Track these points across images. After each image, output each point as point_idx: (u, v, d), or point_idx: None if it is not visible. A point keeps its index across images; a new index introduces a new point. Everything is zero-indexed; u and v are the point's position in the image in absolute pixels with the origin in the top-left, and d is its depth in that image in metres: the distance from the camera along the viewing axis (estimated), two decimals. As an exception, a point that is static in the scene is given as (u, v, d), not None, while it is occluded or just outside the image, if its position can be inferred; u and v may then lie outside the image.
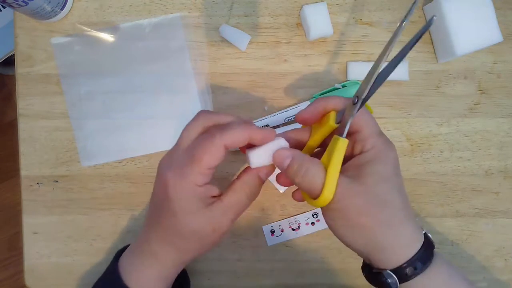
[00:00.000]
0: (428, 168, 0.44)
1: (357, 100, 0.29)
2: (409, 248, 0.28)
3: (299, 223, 0.44)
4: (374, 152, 0.29)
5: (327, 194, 0.28)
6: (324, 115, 0.32)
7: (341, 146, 0.29)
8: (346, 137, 0.29)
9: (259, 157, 0.31)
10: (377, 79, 0.29)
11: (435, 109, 0.44)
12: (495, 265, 0.44)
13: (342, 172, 0.29)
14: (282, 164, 0.29)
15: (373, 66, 0.29)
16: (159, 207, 0.31)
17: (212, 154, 0.28)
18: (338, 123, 0.31)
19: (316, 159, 0.29)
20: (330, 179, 0.28)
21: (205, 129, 0.30)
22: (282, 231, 0.44)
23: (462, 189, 0.44)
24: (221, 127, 0.29)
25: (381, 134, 0.30)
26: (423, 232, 0.29)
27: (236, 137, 0.29)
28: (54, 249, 0.45)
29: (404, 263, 0.27)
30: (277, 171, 0.32)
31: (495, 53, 0.44)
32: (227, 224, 0.30)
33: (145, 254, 0.33)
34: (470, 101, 0.44)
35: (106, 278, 0.35)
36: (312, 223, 0.44)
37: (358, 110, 0.29)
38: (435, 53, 0.44)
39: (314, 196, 0.28)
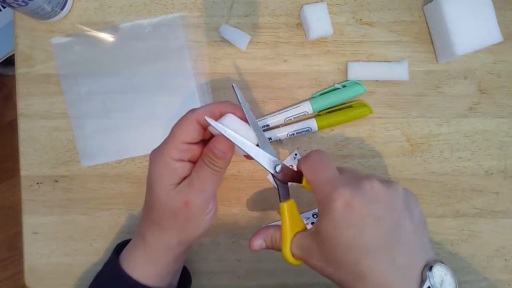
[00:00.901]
0: (428, 168, 0.44)
1: (277, 167, 0.32)
2: None
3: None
4: (320, 207, 0.29)
5: (284, 254, 0.32)
6: None
7: (282, 211, 0.32)
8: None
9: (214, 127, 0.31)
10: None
11: (435, 109, 0.44)
12: (495, 265, 0.44)
13: (310, 232, 0.30)
14: (261, 247, 0.33)
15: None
16: (147, 187, 0.33)
17: (184, 128, 0.31)
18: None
19: (275, 229, 0.33)
20: (283, 243, 0.32)
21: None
22: (282, 231, 0.44)
23: (462, 189, 0.44)
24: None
25: (326, 182, 0.29)
26: (425, 280, 0.26)
27: (206, 110, 0.31)
28: (54, 249, 0.45)
29: None
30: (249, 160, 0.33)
31: (495, 53, 0.44)
32: (197, 198, 0.30)
33: (137, 235, 0.34)
34: (470, 101, 0.44)
35: (106, 264, 0.36)
36: (312, 223, 0.44)
37: (278, 174, 0.32)
38: (435, 53, 0.44)
39: None
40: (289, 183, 0.33)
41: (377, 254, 0.26)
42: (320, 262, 0.29)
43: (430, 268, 0.26)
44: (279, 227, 0.33)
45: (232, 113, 0.31)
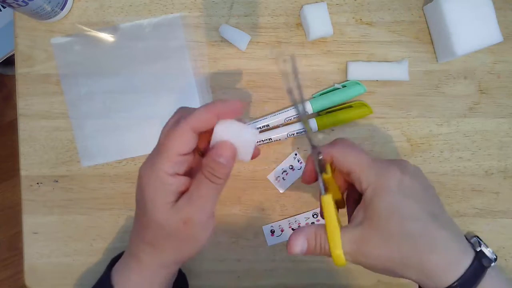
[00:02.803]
0: (428, 168, 0.44)
1: (315, 149, 0.31)
2: (449, 271, 0.26)
3: (299, 223, 0.44)
4: (371, 189, 0.29)
5: (335, 255, 0.28)
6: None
7: (325, 204, 0.29)
8: (346, 178, 0.31)
9: (211, 142, 0.29)
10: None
11: (435, 109, 0.44)
12: (495, 265, 0.44)
13: (351, 220, 0.29)
14: (302, 249, 0.29)
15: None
16: (137, 204, 0.30)
17: (179, 139, 0.27)
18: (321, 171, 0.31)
19: (318, 226, 0.30)
20: (331, 241, 0.28)
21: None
22: (282, 231, 0.44)
23: (462, 189, 0.44)
24: (188, 113, 0.28)
25: (371, 164, 0.30)
26: (475, 245, 0.28)
27: (201, 116, 0.27)
28: (54, 249, 0.45)
29: (448, 287, 0.26)
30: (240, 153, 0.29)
31: (495, 53, 0.44)
32: (197, 215, 0.28)
33: (128, 256, 0.32)
34: (470, 101, 0.44)
35: (99, 283, 0.34)
36: (312, 223, 0.44)
37: (319, 158, 0.30)
38: (435, 53, 0.44)
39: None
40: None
41: (438, 220, 0.28)
42: (380, 245, 0.27)
43: (476, 237, 0.30)
44: (321, 225, 0.29)
45: (225, 113, 0.28)
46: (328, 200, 0.29)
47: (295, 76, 0.30)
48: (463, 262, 0.26)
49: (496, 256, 0.28)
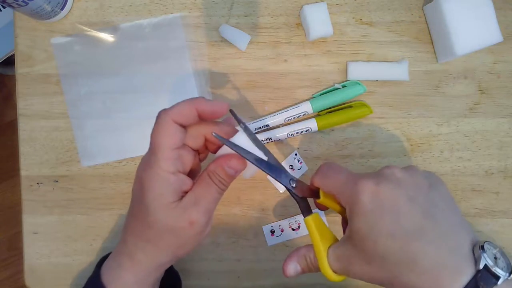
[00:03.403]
0: (428, 168, 0.44)
1: (291, 183, 0.31)
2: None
3: (299, 223, 0.44)
4: (348, 207, 0.28)
5: (326, 274, 0.29)
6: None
7: (308, 226, 0.31)
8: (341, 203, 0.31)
9: (221, 150, 0.31)
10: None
11: (435, 109, 0.44)
12: (495, 265, 0.44)
13: (343, 236, 0.29)
14: (296, 271, 0.31)
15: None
16: (135, 203, 0.30)
17: (165, 133, 0.28)
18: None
19: (307, 248, 0.31)
20: (319, 261, 0.29)
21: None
22: (282, 231, 0.44)
23: (462, 189, 0.44)
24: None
25: (345, 182, 0.29)
26: (478, 260, 0.24)
27: (181, 109, 0.28)
28: (54, 249, 0.45)
29: None
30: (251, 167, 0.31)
31: (495, 53, 0.44)
32: (202, 217, 0.29)
33: (122, 256, 0.31)
34: (470, 101, 0.44)
35: (89, 282, 0.34)
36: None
37: (294, 189, 0.31)
38: (435, 53, 0.44)
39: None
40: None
41: (423, 235, 0.24)
42: (362, 266, 0.27)
43: (482, 247, 0.24)
44: (309, 246, 0.31)
45: (207, 111, 0.29)
46: (309, 222, 0.30)
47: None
48: (455, 282, 0.23)
49: (511, 272, 0.23)
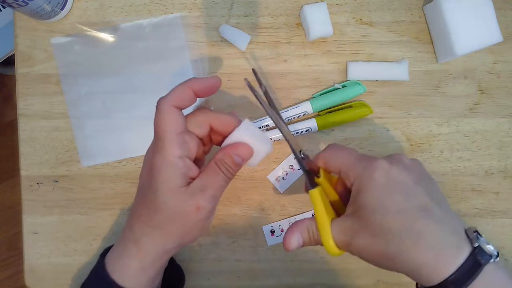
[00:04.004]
0: (428, 168, 0.43)
1: (301, 153, 0.33)
2: (439, 268, 0.25)
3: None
4: (357, 182, 0.29)
5: (327, 246, 0.29)
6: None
7: (313, 197, 0.31)
8: (338, 178, 0.32)
9: (228, 140, 0.31)
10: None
11: (435, 109, 0.44)
12: (495, 265, 0.44)
13: (346, 212, 0.30)
14: (298, 244, 0.31)
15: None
16: (143, 189, 0.31)
17: (168, 119, 0.29)
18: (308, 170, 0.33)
19: (310, 220, 0.31)
20: (322, 232, 0.29)
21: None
22: (282, 231, 0.44)
23: (462, 189, 0.44)
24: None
25: (358, 159, 0.30)
26: (473, 240, 0.26)
27: (178, 93, 0.30)
28: (54, 249, 0.45)
29: (439, 284, 0.25)
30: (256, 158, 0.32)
31: (495, 53, 0.44)
32: (209, 203, 0.29)
33: (128, 242, 0.32)
34: (470, 101, 0.44)
35: (93, 272, 0.34)
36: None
37: (303, 159, 0.32)
38: (435, 53, 0.44)
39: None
40: None
41: (429, 215, 0.26)
42: (368, 239, 0.27)
43: (476, 231, 0.27)
44: (311, 218, 0.31)
45: (202, 89, 0.31)
46: (315, 194, 0.31)
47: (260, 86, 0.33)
48: (456, 258, 0.25)
49: (498, 253, 0.26)
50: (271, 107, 0.32)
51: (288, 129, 0.33)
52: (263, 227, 0.44)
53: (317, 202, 0.30)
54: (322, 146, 0.44)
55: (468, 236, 0.27)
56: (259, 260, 0.44)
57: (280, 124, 0.33)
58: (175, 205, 0.29)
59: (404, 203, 0.27)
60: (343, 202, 0.33)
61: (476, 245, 0.26)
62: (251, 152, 0.31)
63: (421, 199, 0.27)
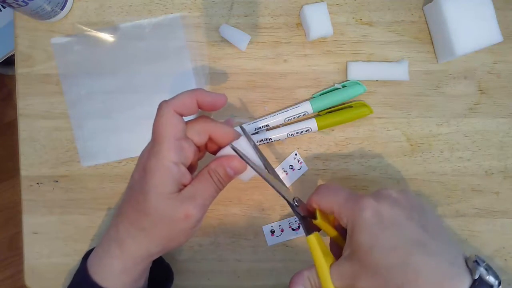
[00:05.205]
0: (428, 168, 0.44)
1: (294, 201, 0.32)
2: None
3: (299, 223, 0.44)
4: (350, 223, 0.29)
5: None
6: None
7: (310, 244, 0.31)
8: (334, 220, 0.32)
9: (223, 151, 0.32)
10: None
11: (435, 109, 0.44)
12: (495, 265, 0.44)
13: (343, 253, 0.30)
14: None
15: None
16: (133, 190, 0.30)
17: (168, 124, 0.29)
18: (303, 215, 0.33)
19: (308, 270, 0.31)
20: (323, 281, 0.29)
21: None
22: (282, 231, 0.44)
23: (462, 189, 0.44)
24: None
25: (346, 200, 0.30)
26: (473, 270, 0.26)
27: (182, 99, 0.29)
28: (54, 249, 0.45)
29: None
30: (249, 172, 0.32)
31: (495, 53, 0.44)
32: (198, 212, 0.29)
33: (111, 242, 0.31)
34: (470, 101, 0.44)
35: (75, 275, 0.34)
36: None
37: (297, 206, 0.32)
38: (435, 53, 0.44)
39: None
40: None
41: (423, 249, 0.26)
42: (369, 280, 0.27)
43: (475, 261, 0.26)
44: (310, 267, 0.31)
45: (206, 102, 0.31)
46: (312, 240, 0.31)
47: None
48: None
49: (500, 282, 0.26)
50: (260, 158, 0.32)
51: (281, 181, 0.33)
52: (263, 227, 0.44)
53: (315, 249, 0.30)
54: (322, 146, 0.44)
55: (468, 266, 0.26)
56: (259, 260, 0.44)
57: (270, 178, 0.32)
58: (164, 210, 0.29)
59: (397, 240, 0.27)
60: (342, 238, 0.33)
61: (476, 277, 0.25)
62: (244, 167, 0.31)
63: (413, 233, 0.27)
